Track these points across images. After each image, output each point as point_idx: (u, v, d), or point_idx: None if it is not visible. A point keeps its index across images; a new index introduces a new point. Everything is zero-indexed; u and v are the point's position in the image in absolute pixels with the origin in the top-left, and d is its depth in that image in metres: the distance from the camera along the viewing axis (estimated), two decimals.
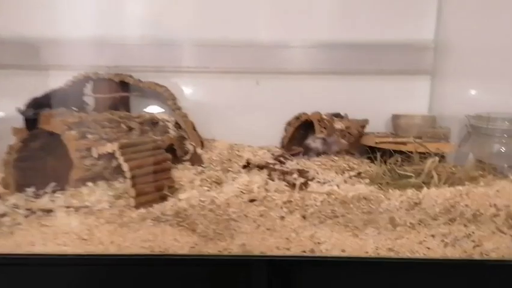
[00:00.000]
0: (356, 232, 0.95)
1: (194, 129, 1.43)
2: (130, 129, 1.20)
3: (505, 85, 1.36)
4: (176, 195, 1.02)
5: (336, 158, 1.35)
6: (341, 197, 0.99)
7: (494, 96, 1.37)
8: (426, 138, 1.36)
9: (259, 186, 1.04)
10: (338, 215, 0.97)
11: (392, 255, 0.90)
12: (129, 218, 0.96)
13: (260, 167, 1.21)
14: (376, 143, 1.37)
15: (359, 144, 1.44)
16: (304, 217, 0.96)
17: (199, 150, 1.37)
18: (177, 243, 0.91)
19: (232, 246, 0.91)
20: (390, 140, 1.37)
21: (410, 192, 1.00)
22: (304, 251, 0.91)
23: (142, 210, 0.98)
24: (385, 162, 1.18)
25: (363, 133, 1.46)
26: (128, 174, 0.99)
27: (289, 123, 1.51)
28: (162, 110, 1.47)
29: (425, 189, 1.01)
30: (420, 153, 1.20)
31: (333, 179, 1.14)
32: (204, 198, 0.98)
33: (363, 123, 1.47)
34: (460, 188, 1.01)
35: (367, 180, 1.13)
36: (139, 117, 1.28)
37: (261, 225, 0.96)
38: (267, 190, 1.04)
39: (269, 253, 0.90)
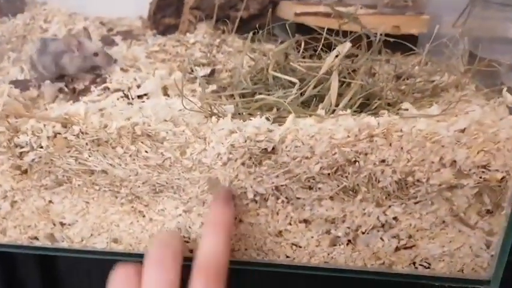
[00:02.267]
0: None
1: None
2: None
3: None
4: None
5: (191, 40, 0.75)
6: (94, 131, 0.44)
7: None
8: (383, 7, 0.79)
9: None
10: (92, 169, 0.46)
11: None
12: None
13: None
14: (297, 14, 0.79)
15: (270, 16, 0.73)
16: (22, 171, 0.47)
17: None
18: None
19: None
20: (321, 9, 0.78)
21: (252, 123, 0.44)
22: None
23: None
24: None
25: None
26: None
27: None
28: None
29: (292, 118, 0.44)
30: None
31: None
32: None
33: None
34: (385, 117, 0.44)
35: (211, 89, 0.55)
36: None
37: None
38: None
39: None
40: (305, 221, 0.47)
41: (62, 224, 0.49)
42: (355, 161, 0.43)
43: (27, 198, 0.48)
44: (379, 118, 0.43)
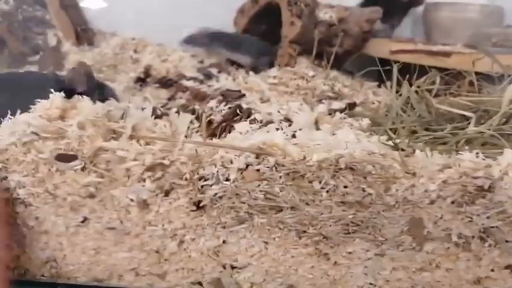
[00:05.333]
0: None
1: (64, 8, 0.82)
2: None
3: None
4: None
5: (310, 73, 0.73)
6: (291, 163, 0.41)
7: None
8: (489, 46, 0.75)
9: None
10: (280, 205, 0.42)
11: None
12: None
13: (163, 83, 0.73)
14: (392, 52, 0.77)
15: (360, 52, 0.82)
16: (198, 206, 0.43)
17: (67, 46, 0.82)
18: None
19: None
20: (420, 47, 0.77)
21: (466, 157, 0.41)
22: None
23: None
24: (410, 85, 0.56)
25: (370, 34, 0.84)
26: None
27: (241, 11, 0.89)
28: None
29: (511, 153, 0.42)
30: (477, 73, 0.58)
31: (292, 116, 0.54)
32: None
33: (373, 16, 0.84)
34: None
35: (367, 122, 0.54)
36: None
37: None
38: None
39: None
40: (510, 266, 0.43)
41: (232, 268, 0.45)
42: None
43: (198, 237, 0.44)
44: None
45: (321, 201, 0.42)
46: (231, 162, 0.41)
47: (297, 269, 0.45)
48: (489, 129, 0.45)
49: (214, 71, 0.78)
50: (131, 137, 0.44)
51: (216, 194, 0.42)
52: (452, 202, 0.41)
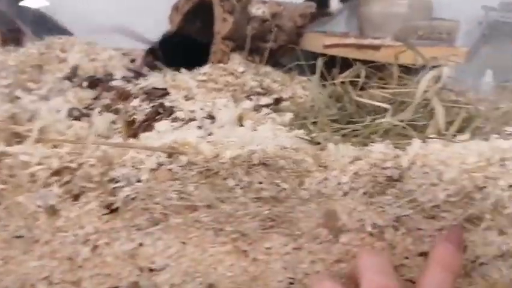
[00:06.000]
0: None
1: None
2: None
3: None
4: None
5: (240, 69, 0.71)
6: (204, 161, 0.40)
7: None
8: (415, 39, 0.80)
9: None
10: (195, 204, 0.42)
11: None
12: None
13: (90, 83, 0.69)
14: (326, 46, 0.78)
15: (294, 46, 0.78)
16: (111, 209, 0.42)
17: None
18: None
19: None
20: (351, 41, 0.78)
21: (376, 149, 0.42)
22: None
23: None
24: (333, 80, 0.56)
25: (304, 28, 0.84)
26: None
27: (175, 8, 0.87)
28: None
29: (418, 143, 0.42)
30: (401, 66, 0.60)
31: (216, 113, 0.54)
32: None
33: (306, 10, 0.84)
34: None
35: (289, 117, 0.53)
36: None
37: None
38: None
39: None
40: (423, 254, 0.45)
41: (150, 270, 0.44)
42: (483, 187, 0.42)
43: (113, 241, 0.43)
44: (508, 142, 0.43)
45: (236, 198, 0.42)
46: (142, 163, 0.41)
47: (216, 268, 0.45)
48: (402, 120, 0.47)
49: (145, 70, 0.77)
50: (37, 141, 0.42)
51: (128, 195, 0.41)
52: (364, 193, 0.42)
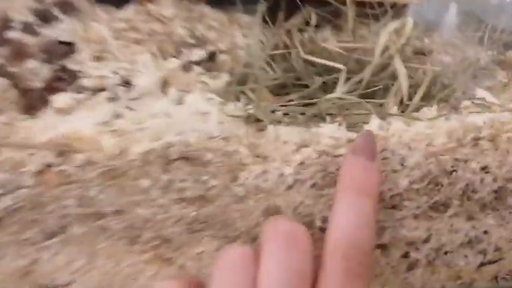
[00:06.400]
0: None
1: None
2: None
3: None
4: None
5: (168, 12, 0.54)
6: (107, 159, 0.31)
7: None
8: None
9: None
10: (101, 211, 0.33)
11: None
12: None
13: None
14: None
15: None
16: None
17: None
18: None
19: None
20: None
21: (326, 132, 0.34)
22: None
23: None
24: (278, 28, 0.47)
25: None
26: None
27: None
28: None
29: (377, 122, 0.35)
30: (359, 3, 0.46)
31: (134, 77, 0.43)
32: None
33: None
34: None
35: (225, 81, 0.44)
36: None
37: None
38: None
39: None
40: (381, 246, 0.39)
41: (54, 287, 0.36)
42: (453, 171, 0.35)
43: (1, 258, 0.34)
44: (482, 116, 0.35)
45: (153, 201, 0.33)
46: (23, 165, 0.31)
47: (137, 278, 0.37)
48: (357, 89, 0.38)
49: (56, 11, 0.63)
50: None
51: (9, 206, 0.32)
52: (312, 185, 0.34)
